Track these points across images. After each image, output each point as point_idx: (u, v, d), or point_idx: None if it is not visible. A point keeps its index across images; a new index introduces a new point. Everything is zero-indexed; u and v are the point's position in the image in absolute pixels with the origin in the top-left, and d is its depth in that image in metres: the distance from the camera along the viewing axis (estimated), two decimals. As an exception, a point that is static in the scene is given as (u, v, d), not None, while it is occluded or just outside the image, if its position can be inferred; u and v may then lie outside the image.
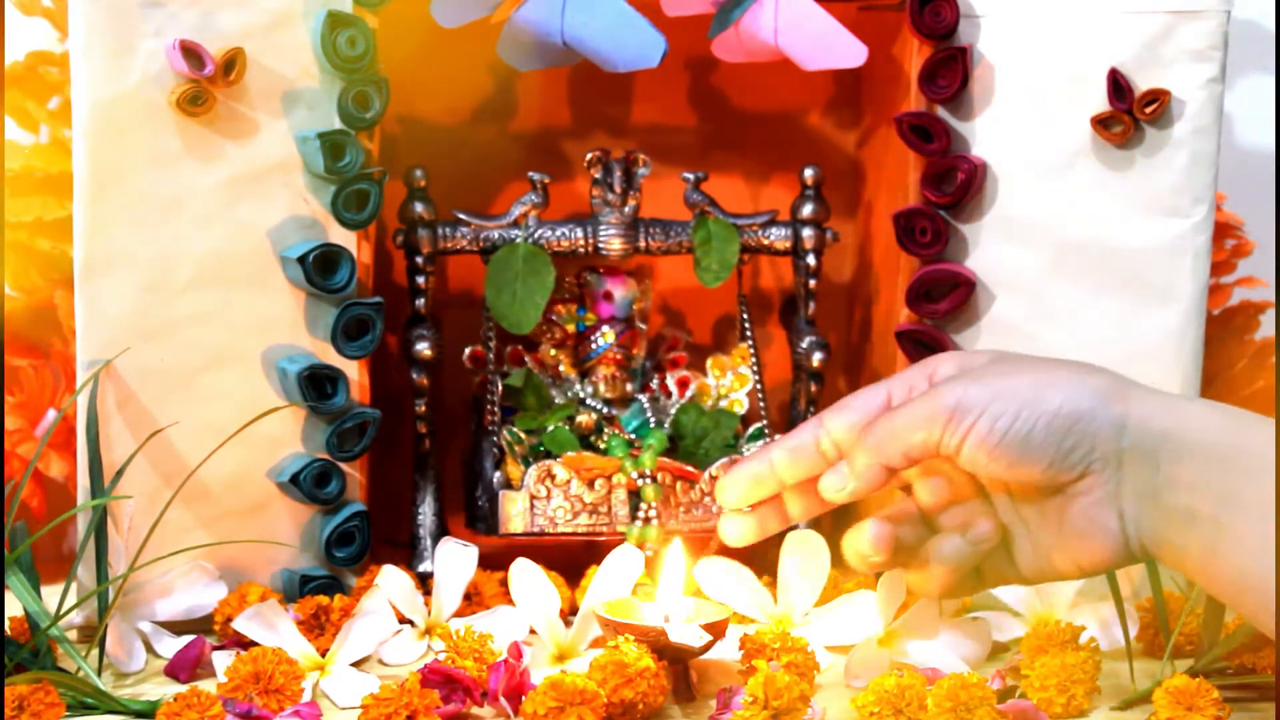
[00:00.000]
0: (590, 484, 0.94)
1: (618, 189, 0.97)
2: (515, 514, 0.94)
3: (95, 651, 0.82)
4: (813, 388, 0.99)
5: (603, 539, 0.94)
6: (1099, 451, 0.70)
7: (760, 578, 0.89)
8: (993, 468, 0.72)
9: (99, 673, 0.81)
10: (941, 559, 0.75)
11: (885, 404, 0.77)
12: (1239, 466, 0.68)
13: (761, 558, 0.90)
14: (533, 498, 0.94)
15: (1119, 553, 0.72)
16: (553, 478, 0.94)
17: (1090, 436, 0.70)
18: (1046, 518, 0.74)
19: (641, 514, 0.94)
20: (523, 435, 0.97)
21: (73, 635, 0.87)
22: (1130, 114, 0.90)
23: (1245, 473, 0.68)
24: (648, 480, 0.94)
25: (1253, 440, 0.68)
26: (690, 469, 0.95)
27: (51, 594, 0.83)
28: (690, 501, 0.95)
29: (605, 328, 1.00)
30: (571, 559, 0.94)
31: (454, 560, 0.87)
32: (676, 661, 0.80)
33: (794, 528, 0.85)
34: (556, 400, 1.00)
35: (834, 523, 0.92)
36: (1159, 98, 0.90)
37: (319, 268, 0.88)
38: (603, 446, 0.96)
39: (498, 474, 0.94)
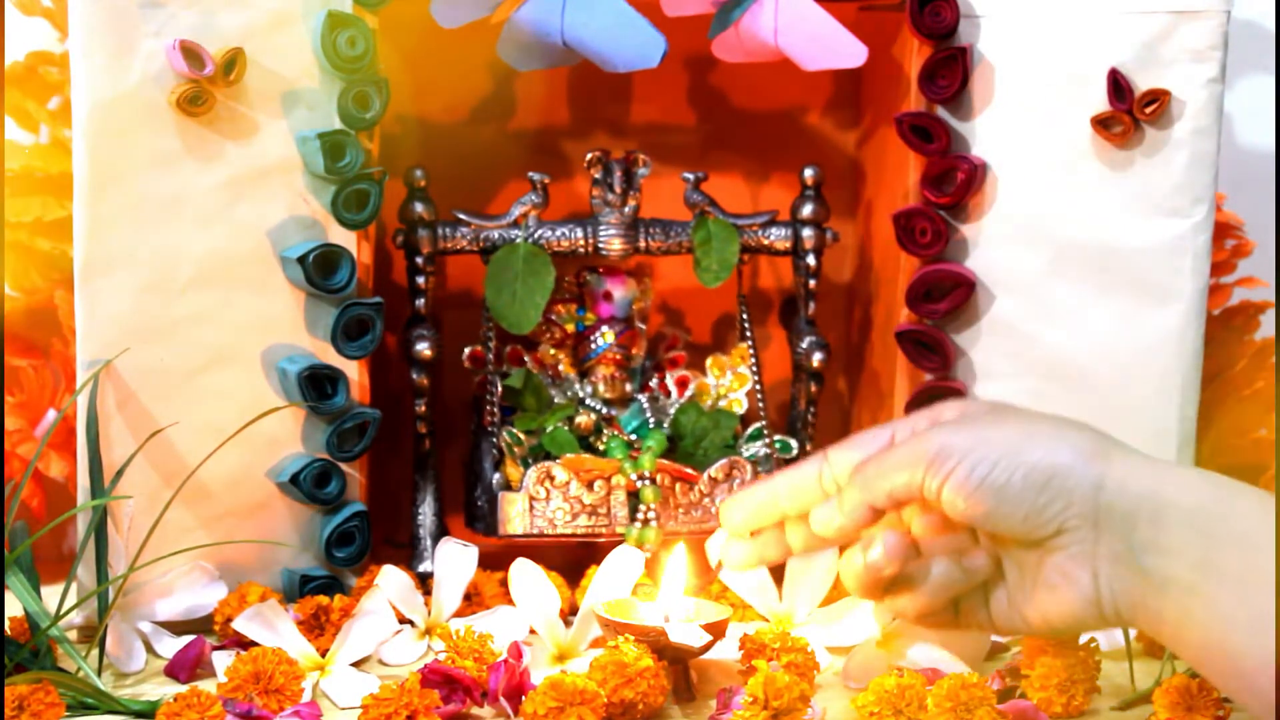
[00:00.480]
0: (589, 485, 0.94)
1: (618, 189, 0.97)
2: (514, 515, 0.94)
3: (95, 651, 0.82)
4: (812, 388, 0.99)
5: (602, 540, 0.94)
6: (1075, 508, 0.70)
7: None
8: (970, 514, 0.71)
9: (99, 673, 0.81)
10: (930, 580, 0.75)
11: (889, 444, 0.77)
12: (1221, 534, 0.67)
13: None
14: (532, 499, 0.94)
15: (1089, 612, 0.71)
16: (552, 479, 0.94)
17: (1067, 492, 0.70)
18: (1024, 570, 0.73)
19: (640, 515, 0.94)
20: (522, 436, 0.97)
21: (73, 635, 0.87)
22: (1130, 114, 0.90)
23: (1227, 541, 0.67)
24: (647, 482, 0.94)
25: (1237, 509, 0.67)
26: (689, 471, 0.95)
27: (51, 594, 0.83)
28: (689, 503, 0.95)
29: (605, 328, 1.00)
30: (571, 559, 0.94)
31: (454, 560, 0.87)
32: (676, 661, 0.80)
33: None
34: (556, 400, 1.00)
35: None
36: (1159, 98, 0.90)
37: (319, 268, 0.88)
38: (602, 448, 0.96)
39: (497, 475, 0.94)
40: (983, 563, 0.75)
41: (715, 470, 0.95)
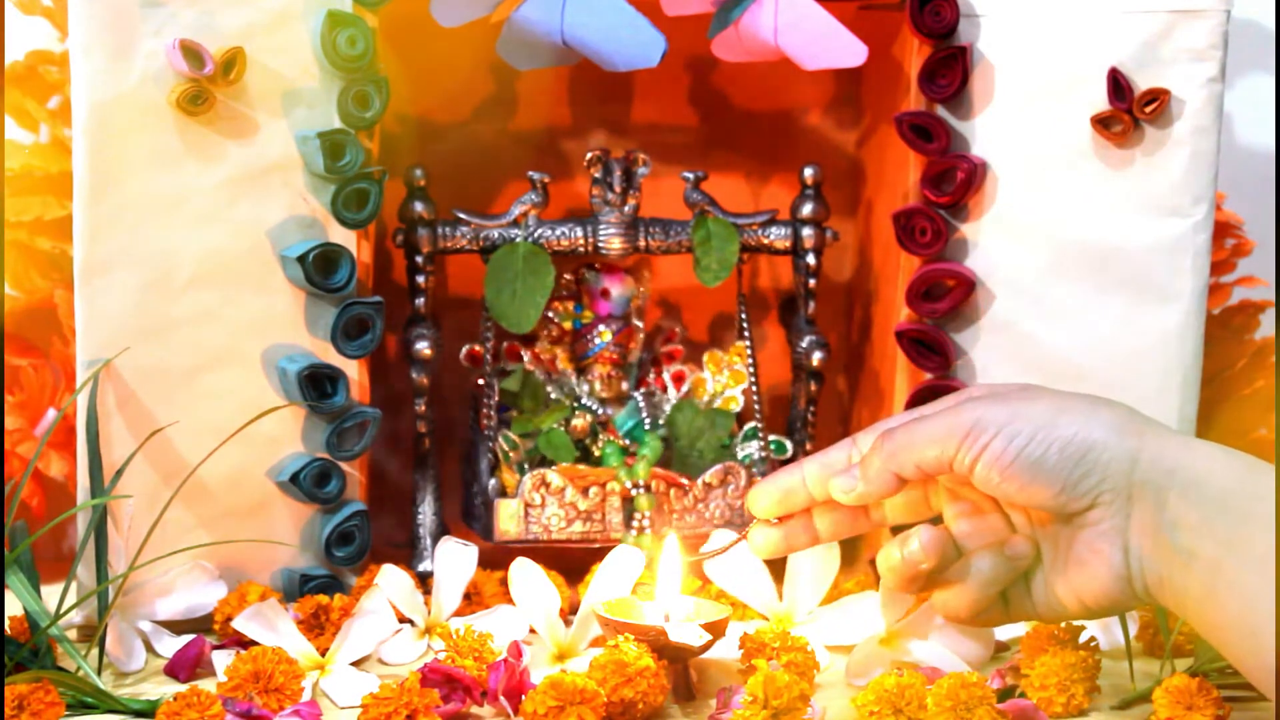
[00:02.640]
0: (584, 491, 0.94)
1: (618, 188, 0.97)
2: (509, 521, 0.94)
3: (95, 651, 0.82)
4: (812, 387, 0.99)
5: (597, 546, 0.94)
6: (1110, 483, 0.70)
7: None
8: (1004, 488, 0.72)
9: (99, 672, 0.81)
10: (978, 574, 0.75)
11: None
12: (1244, 512, 0.68)
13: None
14: (527, 505, 0.94)
15: (1121, 589, 0.72)
16: (547, 485, 0.94)
17: (1102, 467, 0.70)
18: (1056, 548, 0.73)
19: (635, 523, 0.94)
20: (518, 441, 0.97)
21: (73, 635, 0.87)
22: (1130, 114, 0.90)
23: (1250, 519, 0.67)
24: (641, 490, 0.94)
25: (1265, 489, 0.68)
26: (683, 479, 0.95)
27: (51, 594, 0.83)
28: (684, 509, 0.95)
29: (602, 326, 1.00)
30: (570, 559, 0.94)
31: (454, 560, 0.87)
32: (676, 661, 0.80)
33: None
34: (553, 396, 1.00)
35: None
36: (1159, 97, 0.90)
37: (319, 267, 0.88)
38: (597, 453, 0.96)
39: (493, 481, 0.94)
40: (1025, 550, 0.74)
41: (709, 476, 0.95)
